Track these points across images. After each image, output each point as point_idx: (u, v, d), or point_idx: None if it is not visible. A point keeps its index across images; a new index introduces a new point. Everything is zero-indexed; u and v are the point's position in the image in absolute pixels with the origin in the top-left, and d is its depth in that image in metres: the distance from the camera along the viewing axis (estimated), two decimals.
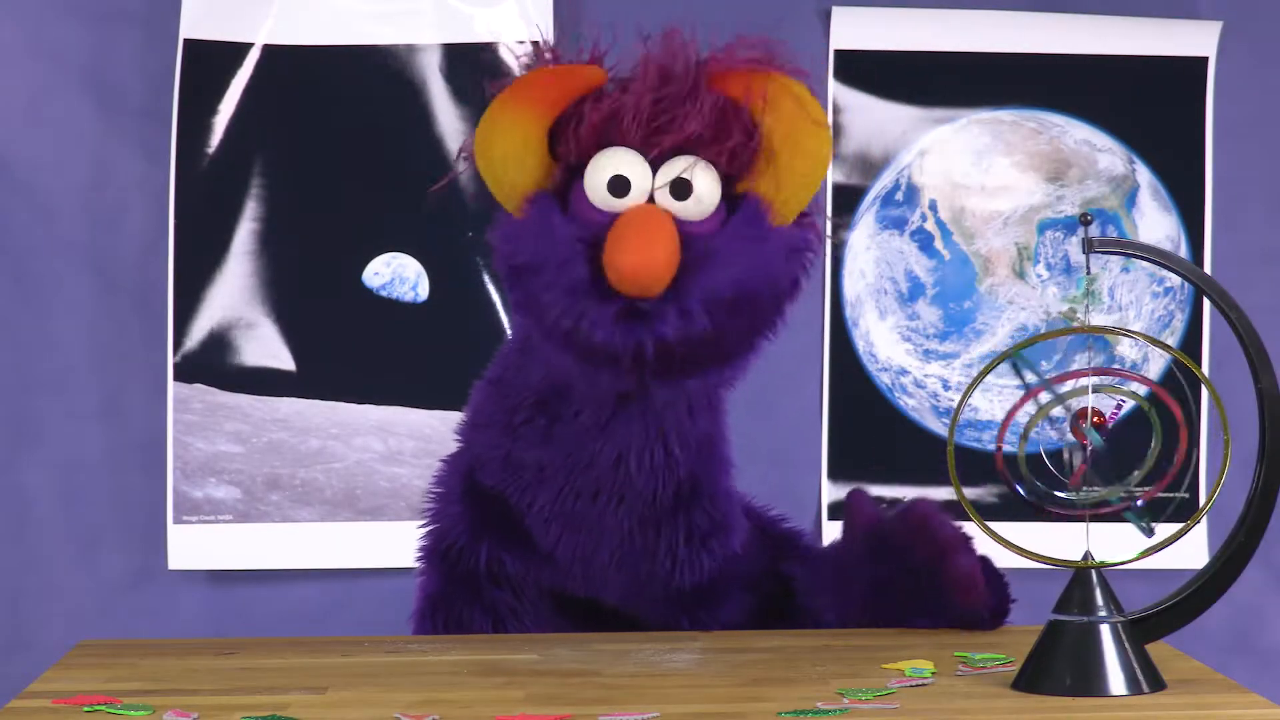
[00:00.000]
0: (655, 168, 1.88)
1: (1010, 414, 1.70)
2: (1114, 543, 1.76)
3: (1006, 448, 1.73)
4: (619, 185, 1.87)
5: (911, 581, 2.01)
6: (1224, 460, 1.71)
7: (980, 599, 1.99)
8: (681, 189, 1.87)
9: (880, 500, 2.24)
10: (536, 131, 1.88)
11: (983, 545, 1.97)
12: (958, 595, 1.99)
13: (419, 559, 2.14)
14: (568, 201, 1.89)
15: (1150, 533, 1.72)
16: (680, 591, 2.07)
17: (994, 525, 1.75)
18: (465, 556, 2.09)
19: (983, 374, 1.66)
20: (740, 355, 1.95)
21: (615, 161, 1.87)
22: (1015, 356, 1.70)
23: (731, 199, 1.89)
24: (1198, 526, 2.68)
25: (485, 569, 2.08)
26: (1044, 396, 1.68)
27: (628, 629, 2.09)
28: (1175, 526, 1.73)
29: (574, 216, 1.87)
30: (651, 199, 1.88)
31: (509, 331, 2.61)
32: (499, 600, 2.09)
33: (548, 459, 2.01)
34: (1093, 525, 1.74)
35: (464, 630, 2.09)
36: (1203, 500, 2.69)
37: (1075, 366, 1.79)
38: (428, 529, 2.13)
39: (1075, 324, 2.67)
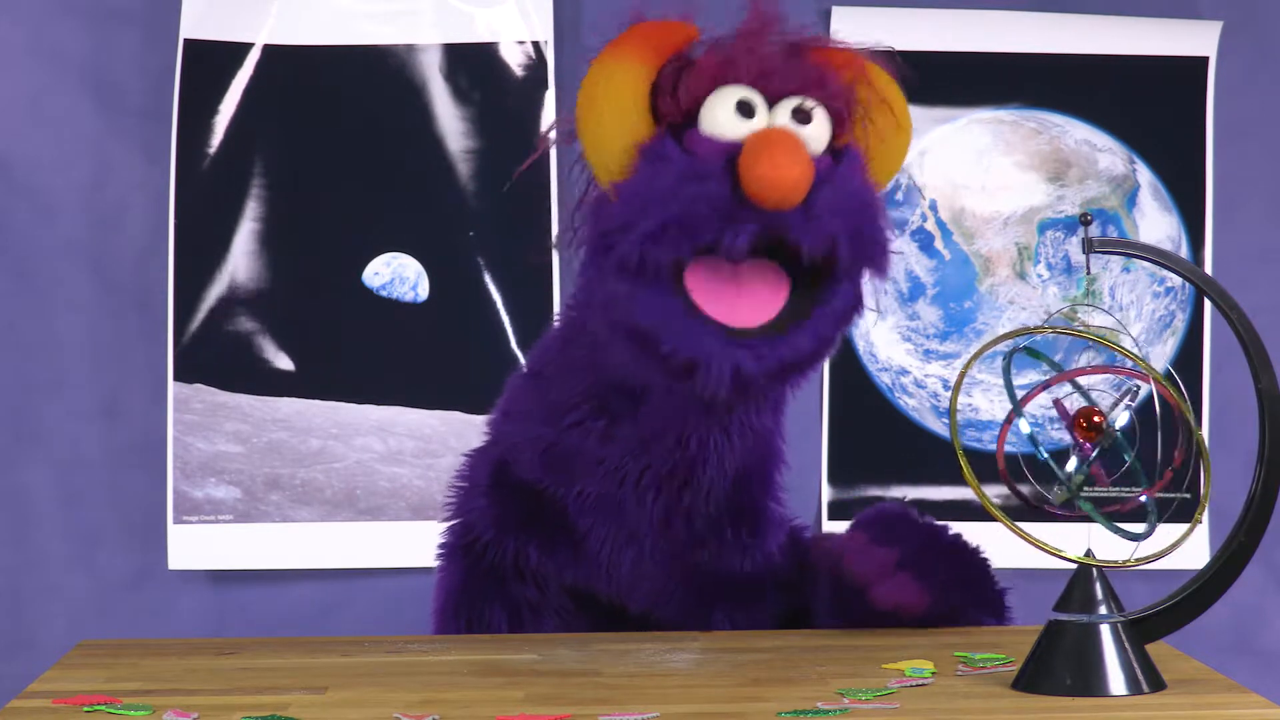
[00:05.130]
0: (770, 106, 1.86)
1: (1015, 406, 1.69)
2: (1115, 543, 1.76)
3: (1007, 448, 1.73)
4: (746, 107, 1.84)
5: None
6: (1198, 457, 1.71)
7: (913, 611, 2.00)
8: (803, 116, 1.86)
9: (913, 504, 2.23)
10: (642, 84, 1.85)
11: (993, 545, 1.98)
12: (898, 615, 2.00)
13: (439, 555, 2.12)
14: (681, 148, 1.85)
15: (1134, 536, 1.72)
16: (720, 584, 2.06)
17: (986, 525, 1.75)
18: (490, 550, 2.07)
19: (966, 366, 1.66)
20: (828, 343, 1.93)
21: (736, 92, 1.85)
22: (1025, 350, 1.70)
23: (832, 154, 1.88)
24: (1199, 526, 2.68)
25: (511, 562, 2.07)
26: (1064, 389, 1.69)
27: (652, 630, 2.08)
28: (1175, 530, 1.73)
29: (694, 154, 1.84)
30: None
31: (510, 330, 2.61)
32: (522, 595, 2.08)
33: (605, 454, 2.00)
34: (1094, 526, 1.74)
35: (485, 626, 2.07)
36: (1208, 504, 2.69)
37: (1078, 365, 1.79)
38: (451, 523, 2.12)
39: (1076, 324, 2.67)
